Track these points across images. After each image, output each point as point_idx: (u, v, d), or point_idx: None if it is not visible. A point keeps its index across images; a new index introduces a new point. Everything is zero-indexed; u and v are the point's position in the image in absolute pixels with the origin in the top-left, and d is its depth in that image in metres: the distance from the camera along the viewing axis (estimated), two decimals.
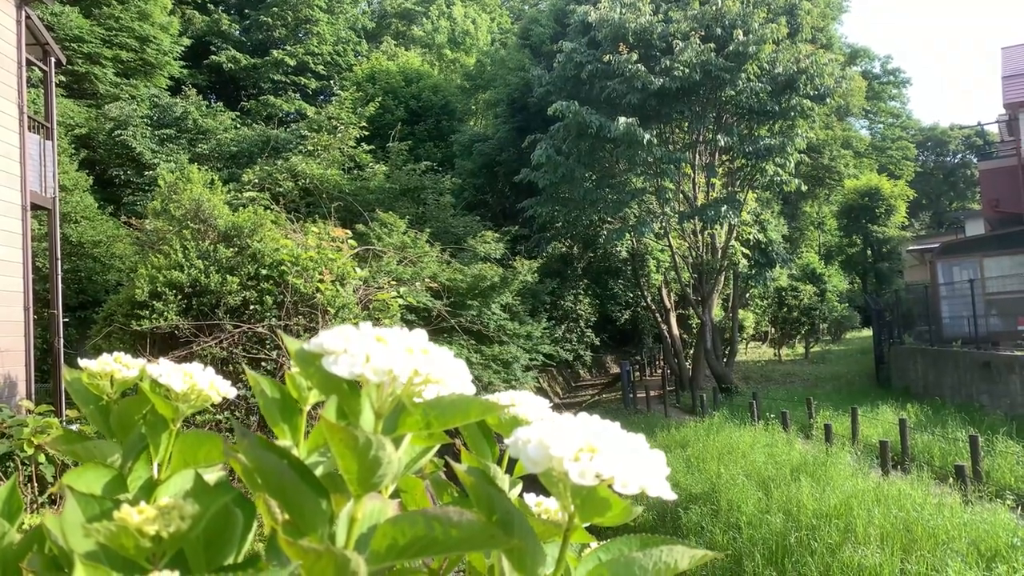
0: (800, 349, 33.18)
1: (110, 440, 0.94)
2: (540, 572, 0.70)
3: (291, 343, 0.77)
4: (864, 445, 13.14)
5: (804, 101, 19.03)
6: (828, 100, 19.95)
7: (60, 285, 12.61)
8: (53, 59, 13.08)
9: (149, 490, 0.90)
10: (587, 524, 0.74)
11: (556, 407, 0.78)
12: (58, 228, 13.01)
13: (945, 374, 17.25)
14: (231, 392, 0.94)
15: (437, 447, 1.11)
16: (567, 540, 0.71)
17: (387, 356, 0.70)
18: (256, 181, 16.47)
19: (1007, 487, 10.12)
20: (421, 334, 0.74)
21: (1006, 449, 11.45)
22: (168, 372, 0.90)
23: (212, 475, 0.91)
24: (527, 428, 0.73)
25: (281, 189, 16.63)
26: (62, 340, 12.13)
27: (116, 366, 0.97)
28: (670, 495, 0.70)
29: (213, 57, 26.44)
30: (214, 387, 0.92)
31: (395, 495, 0.88)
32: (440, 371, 0.75)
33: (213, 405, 0.77)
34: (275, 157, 17.76)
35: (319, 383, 0.73)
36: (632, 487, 0.65)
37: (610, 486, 0.69)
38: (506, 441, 0.76)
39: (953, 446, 12.32)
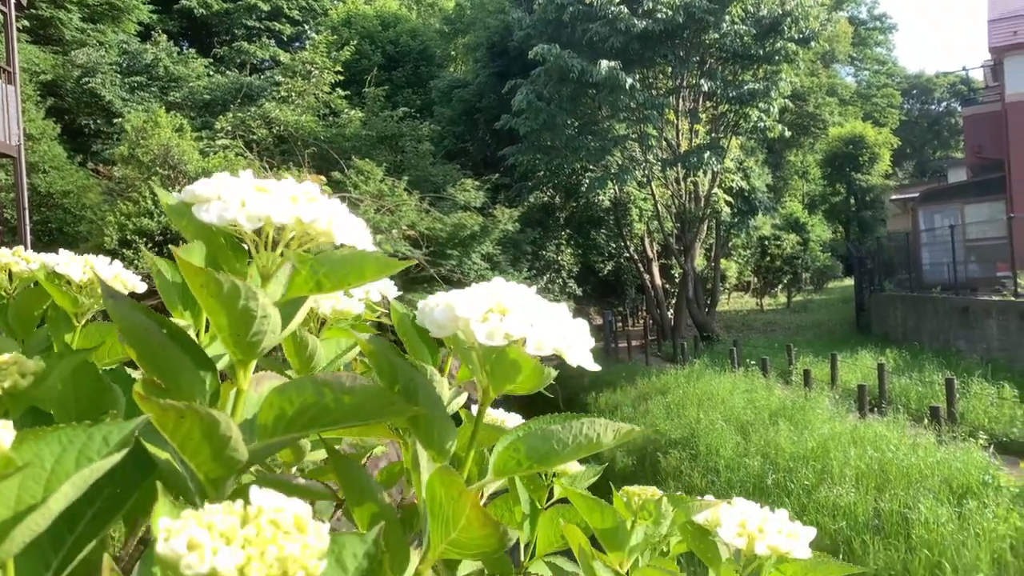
0: (782, 298, 33.37)
1: (7, 338, 0.87)
2: (449, 446, 0.64)
3: (164, 195, 0.68)
4: (843, 390, 13.25)
5: (789, 45, 18.73)
6: (813, 44, 19.66)
7: (29, 236, 12.33)
8: (13, 0, 12.57)
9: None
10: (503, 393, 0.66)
11: None
12: (24, 177, 12.65)
13: (924, 320, 17.36)
14: (139, 285, 0.88)
15: (352, 352, 1.00)
16: (482, 411, 0.66)
17: (264, 202, 0.59)
18: (229, 129, 16.07)
19: (981, 427, 10.24)
20: (331, 204, 0.63)
21: (981, 391, 11.57)
22: (66, 261, 0.84)
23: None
24: (436, 295, 0.66)
25: (255, 137, 16.25)
26: None
27: (13, 259, 0.91)
28: (592, 364, 0.65)
29: (184, 2, 25.60)
30: (120, 279, 0.86)
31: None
32: (327, 221, 0.63)
33: None
34: (249, 104, 17.31)
35: (193, 236, 0.64)
36: (546, 348, 0.60)
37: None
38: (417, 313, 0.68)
39: (930, 389, 12.43)
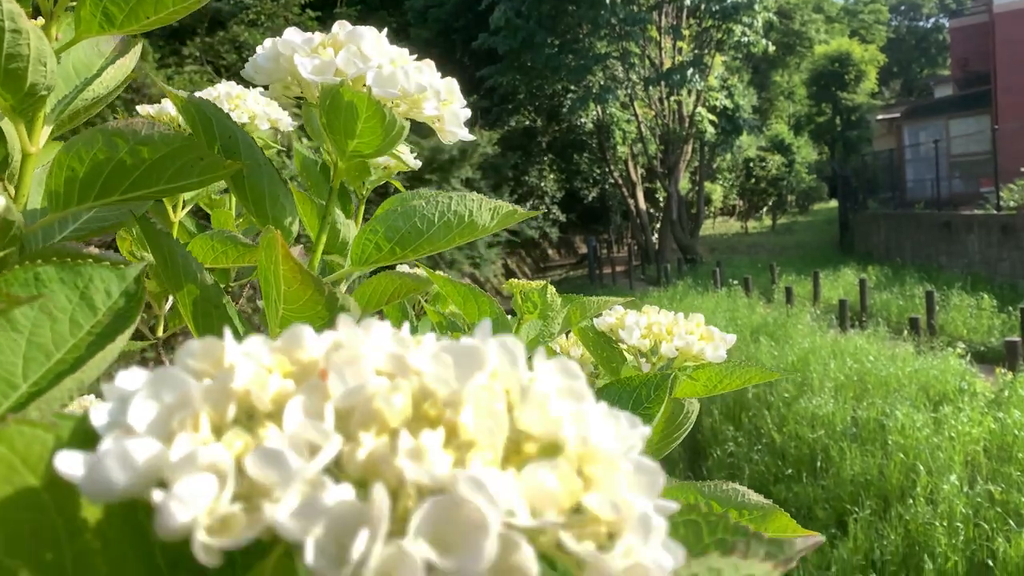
0: (767, 221, 33.30)
1: None
2: (287, 222, 0.55)
3: None
4: (825, 306, 13.32)
5: None
6: None
7: None
8: None
9: None
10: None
11: None
12: None
13: (907, 237, 17.37)
14: None
15: None
16: (334, 188, 0.56)
17: None
18: (197, 55, 15.51)
19: (959, 337, 10.34)
20: None
21: (960, 302, 11.64)
22: None
23: None
24: (266, 40, 0.57)
25: (224, 62, 15.69)
26: None
27: None
28: (465, 133, 0.59)
29: None
30: None
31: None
32: None
33: None
34: (217, 29, 16.66)
35: None
36: (389, 88, 0.49)
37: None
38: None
39: (910, 303, 12.50)
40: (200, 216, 1.07)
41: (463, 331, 0.84)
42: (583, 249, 28.26)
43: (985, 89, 19.34)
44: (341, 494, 0.22)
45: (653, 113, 20.72)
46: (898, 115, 24.55)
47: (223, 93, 0.93)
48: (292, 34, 0.53)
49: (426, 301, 0.91)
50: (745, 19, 18.62)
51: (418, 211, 0.56)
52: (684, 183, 23.45)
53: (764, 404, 9.18)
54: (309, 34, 0.54)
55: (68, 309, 0.37)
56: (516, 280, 0.62)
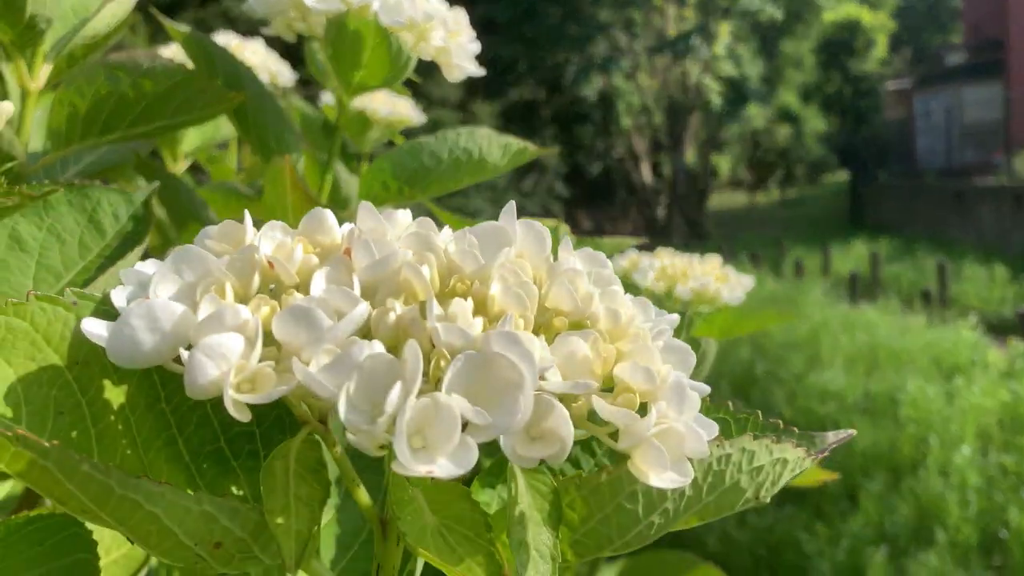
0: (776, 194, 33.04)
1: None
2: (292, 158, 0.50)
3: None
4: (835, 279, 13.18)
5: None
6: None
7: None
8: None
9: None
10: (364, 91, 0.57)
11: None
12: None
13: (918, 207, 17.15)
14: None
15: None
16: (339, 117, 0.55)
17: None
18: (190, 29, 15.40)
19: (971, 308, 10.18)
20: None
21: (972, 274, 11.49)
22: None
23: None
24: None
25: None
26: None
27: None
28: (472, 66, 0.61)
29: None
30: None
31: None
32: None
33: None
34: (208, 2, 16.54)
35: None
36: (397, 16, 0.44)
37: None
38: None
39: (922, 275, 12.36)
40: (199, 173, 1.06)
41: None
42: (587, 225, 28.13)
43: (997, 57, 18.97)
44: (373, 349, 0.22)
45: (658, 83, 20.46)
46: (908, 86, 24.19)
47: (221, 44, 0.88)
48: None
49: None
50: None
51: (426, 147, 0.57)
52: (690, 156, 23.22)
53: (774, 379, 9.07)
54: None
55: (76, 232, 0.37)
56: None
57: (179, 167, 0.88)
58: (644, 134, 22.66)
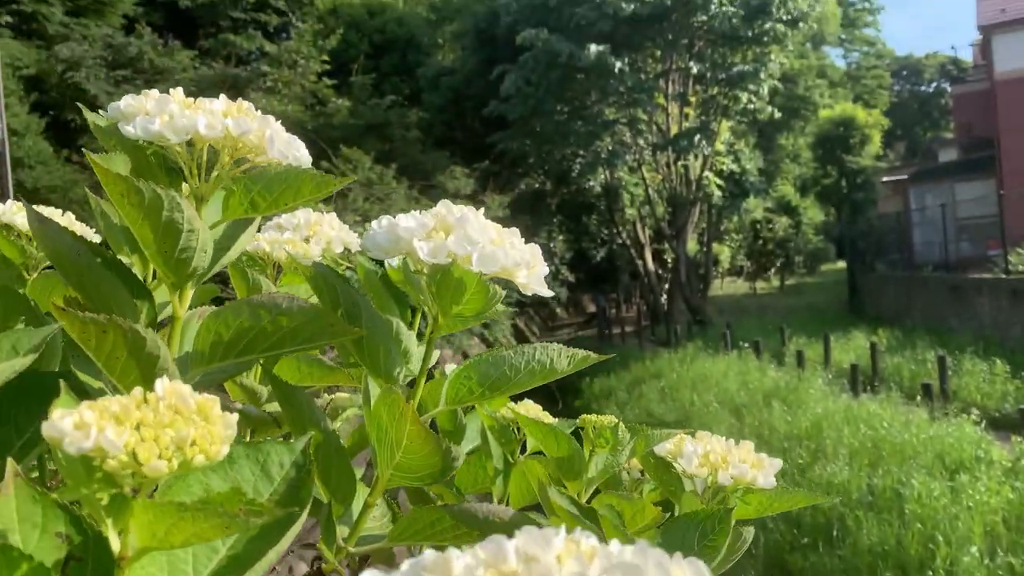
0: (775, 282, 33.39)
1: None
2: (396, 371, 0.63)
3: (92, 115, 0.65)
4: (836, 370, 13.27)
5: (778, 26, 18.66)
6: (802, 25, 19.60)
7: None
8: None
9: None
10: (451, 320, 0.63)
11: None
12: (10, 173, 12.51)
13: (916, 300, 17.40)
14: (93, 236, 0.82)
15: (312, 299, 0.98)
16: (432, 338, 0.64)
17: (191, 115, 0.57)
18: None
19: (973, 403, 10.27)
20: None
21: (972, 368, 11.60)
22: (11, 209, 0.81)
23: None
24: (381, 219, 0.65)
25: None
26: None
27: None
28: (545, 290, 0.64)
29: None
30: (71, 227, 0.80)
31: None
32: (260, 134, 0.60)
33: None
34: (235, 96, 17.19)
35: (121, 151, 0.61)
36: (492, 266, 0.58)
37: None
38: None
39: (922, 367, 12.46)
40: None
41: (513, 436, 0.91)
42: (591, 308, 28.33)
43: (989, 154, 19.61)
44: None
45: (661, 177, 21.06)
46: (903, 177, 24.84)
47: (303, 220, 1.02)
48: (407, 219, 0.62)
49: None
50: (751, 87, 19.08)
51: (507, 360, 0.64)
52: (692, 244, 23.66)
53: (778, 472, 9.11)
54: (422, 218, 0.62)
55: (251, 481, 0.45)
56: (589, 416, 0.70)
57: None
58: (647, 223, 23.16)
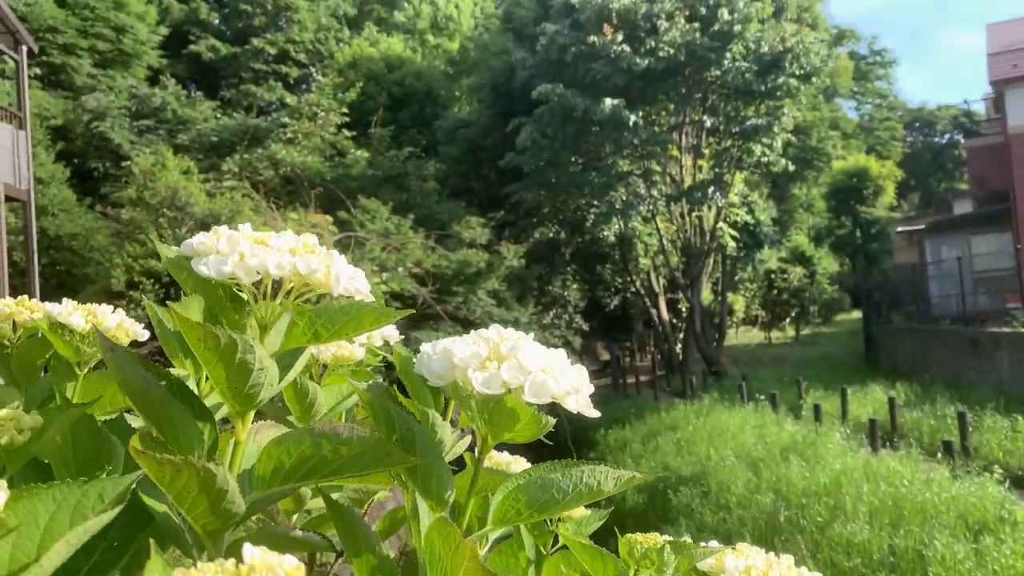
0: (790, 332, 33.19)
1: (9, 387, 0.87)
2: (447, 495, 0.65)
3: (163, 248, 0.67)
4: (854, 424, 13.10)
5: (790, 80, 18.93)
6: (814, 79, 19.86)
7: (37, 279, 12.39)
8: (25, 48, 12.84)
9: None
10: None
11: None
12: (34, 221, 12.77)
13: (934, 353, 17.22)
14: (142, 334, 0.86)
15: (353, 397, 1.00)
16: (481, 459, 0.66)
17: (262, 255, 0.60)
18: (236, 170, 16.26)
19: (995, 461, 10.08)
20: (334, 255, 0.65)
21: (994, 424, 11.43)
22: (68, 311, 0.83)
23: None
24: (434, 343, 0.67)
25: (261, 178, 16.43)
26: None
27: (17, 308, 0.90)
28: (592, 411, 0.65)
29: (192, 46, 26.11)
30: (123, 328, 0.85)
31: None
32: (326, 272, 0.63)
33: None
34: (255, 146, 17.53)
35: (193, 288, 0.64)
36: (544, 396, 0.60)
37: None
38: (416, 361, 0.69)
39: (942, 423, 12.28)
40: None
41: (546, 528, 0.93)
42: (605, 355, 28.20)
43: (1005, 207, 19.58)
44: None
45: (675, 227, 21.16)
46: (917, 227, 24.81)
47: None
48: (462, 348, 0.64)
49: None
50: (764, 139, 19.27)
51: (555, 483, 0.66)
52: (706, 294, 23.64)
53: (797, 528, 8.94)
54: (475, 347, 0.65)
55: None
56: (633, 536, 0.71)
57: None
58: (661, 273, 23.21)
